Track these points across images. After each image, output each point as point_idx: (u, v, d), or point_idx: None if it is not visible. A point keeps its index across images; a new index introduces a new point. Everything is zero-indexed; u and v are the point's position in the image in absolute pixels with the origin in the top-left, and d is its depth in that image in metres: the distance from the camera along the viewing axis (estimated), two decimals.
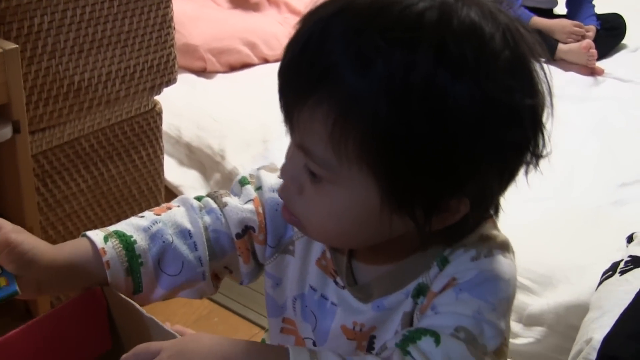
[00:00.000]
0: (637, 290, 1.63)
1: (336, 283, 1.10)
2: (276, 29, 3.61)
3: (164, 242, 1.09)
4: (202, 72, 3.33)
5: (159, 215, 1.12)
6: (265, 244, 1.14)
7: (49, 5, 1.71)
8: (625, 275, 1.83)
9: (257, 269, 1.17)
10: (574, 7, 4.15)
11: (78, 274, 1.06)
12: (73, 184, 2.08)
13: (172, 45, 2.11)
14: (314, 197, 0.96)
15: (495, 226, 1.06)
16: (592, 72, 3.77)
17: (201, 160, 2.90)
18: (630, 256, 1.90)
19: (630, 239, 2.04)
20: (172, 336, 1.00)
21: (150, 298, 1.12)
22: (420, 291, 1.02)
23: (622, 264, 1.89)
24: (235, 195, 1.17)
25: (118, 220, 1.12)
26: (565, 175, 2.73)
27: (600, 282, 1.92)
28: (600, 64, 3.82)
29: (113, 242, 1.06)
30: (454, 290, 0.97)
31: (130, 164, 2.17)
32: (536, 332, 2.20)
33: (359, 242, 1.02)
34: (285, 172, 0.99)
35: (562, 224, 2.44)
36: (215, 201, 1.14)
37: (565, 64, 3.79)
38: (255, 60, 3.47)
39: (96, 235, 1.07)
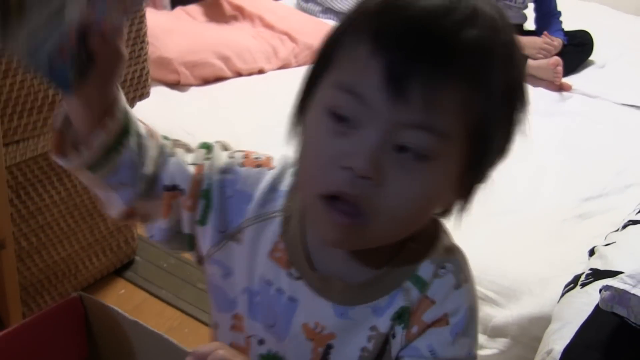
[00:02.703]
0: (597, 302, 1.66)
1: (290, 274, 1.06)
2: (250, 42, 3.63)
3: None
4: (176, 85, 3.34)
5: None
6: (194, 211, 1.07)
7: None
8: (586, 288, 1.86)
9: (174, 233, 1.09)
10: (543, 22, 4.20)
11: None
12: (46, 195, 2.09)
13: (146, 60, 2.13)
14: (405, 181, 0.88)
15: (446, 231, 1.09)
16: (560, 87, 3.82)
17: None
18: (590, 269, 1.94)
19: (591, 253, 2.08)
20: (159, 338, 1.01)
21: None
22: (402, 315, 1.02)
23: (583, 277, 1.93)
24: (190, 152, 1.10)
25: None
26: (531, 189, 2.77)
27: (562, 295, 1.96)
28: (568, 80, 3.87)
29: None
30: (450, 332, 1.02)
31: None
32: (500, 343, 2.22)
33: (414, 228, 0.97)
34: (361, 160, 0.87)
35: (527, 237, 2.47)
36: (169, 147, 1.07)
37: (534, 80, 3.83)
38: (228, 73, 3.47)
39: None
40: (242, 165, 1.08)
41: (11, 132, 1.81)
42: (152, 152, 1.03)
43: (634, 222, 2.16)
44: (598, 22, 4.48)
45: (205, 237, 1.09)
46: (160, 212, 1.07)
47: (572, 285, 1.95)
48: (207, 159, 1.07)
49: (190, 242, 1.11)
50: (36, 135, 1.87)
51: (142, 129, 1.01)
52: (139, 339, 1.03)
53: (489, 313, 2.23)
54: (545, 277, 2.24)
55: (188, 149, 1.09)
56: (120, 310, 1.05)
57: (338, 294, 1.03)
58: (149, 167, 1.02)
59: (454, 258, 1.06)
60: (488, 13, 0.89)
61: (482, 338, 2.23)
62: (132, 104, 2.11)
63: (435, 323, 1.02)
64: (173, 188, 1.05)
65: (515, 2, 4.14)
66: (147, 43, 2.12)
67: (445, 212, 1.01)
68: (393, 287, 1.03)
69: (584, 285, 1.88)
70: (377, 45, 0.86)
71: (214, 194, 1.07)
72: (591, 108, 3.58)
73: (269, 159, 1.10)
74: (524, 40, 3.89)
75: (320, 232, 0.97)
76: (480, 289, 2.25)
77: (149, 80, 2.19)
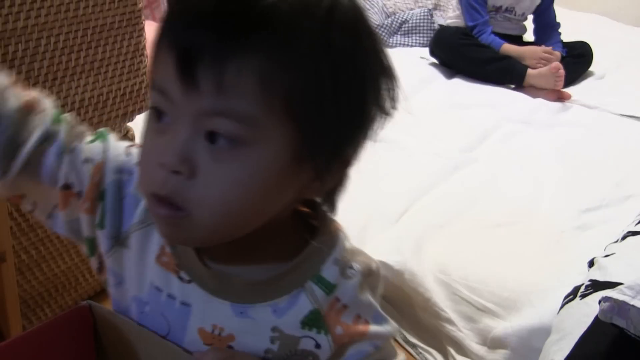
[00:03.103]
0: (596, 313, 1.66)
1: (180, 279, 1.01)
2: None
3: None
4: None
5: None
6: (92, 214, 1.03)
7: (24, 34, 1.74)
8: (585, 299, 1.86)
9: (74, 227, 1.06)
10: (542, 34, 4.21)
11: None
12: None
13: (145, 74, 2.14)
14: (217, 171, 0.86)
15: (344, 232, 1.06)
16: (560, 97, 3.82)
17: None
18: (590, 280, 1.93)
19: (591, 264, 2.08)
20: (168, 349, 1.00)
21: None
22: (315, 320, 1.01)
23: (582, 288, 1.93)
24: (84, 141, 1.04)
25: None
26: (530, 200, 2.77)
27: (562, 306, 1.96)
28: (568, 90, 3.87)
29: None
30: (372, 344, 1.06)
31: None
32: (500, 355, 2.21)
33: (255, 219, 0.93)
34: (170, 156, 0.85)
35: (526, 248, 2.47)
36: (64, 134, 1.02)
37: (534, 91, 3.84)
38: None
39: None
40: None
41: None
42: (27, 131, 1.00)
43: (634, 233, 2.16)
44: (597, 33, 4.49)
45: (103, 243, 1.05)
46: (54, 203, 1.05)
47: (571, 296, 1.95)
48: (104, 152, 1.03)
49: (90, 247, 1.07)
50: None
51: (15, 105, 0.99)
52: (148, 347, 1.03)
53: (489, 324, 2.24)
54: (544, 288, 2.24)
55: (81, 136, 1.04)
56: (128, 319, 1.05)
57: (235, 292, 1.00)
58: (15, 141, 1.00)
59: (360, 258, 1.05)
60: None
61: (482, 350, 2.24)
62: (130, 118, 2.13)
63: (355, 323, 1.04)
64: (67, 187, 1.03)
65: (515, 15, 4.16)
66: (146, 56, 2.13)
67: (327, 201, 1.02)
68: (293, 286, 1.00)
69: (583, 296, 1.88)
70: (168, 36, 0.86)
71: (108, 195, 1.03)
72: (590, 119, 3.58)
73: None
74: (523, 50, 3.91)
75: (157, 228, 0.99)
76: (479, 300, 2.26)
77: (148, 93, 2.19)
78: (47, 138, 1.01)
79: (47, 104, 1.04)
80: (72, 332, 1.08)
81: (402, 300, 2.44)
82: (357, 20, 0.90)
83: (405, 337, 2.41)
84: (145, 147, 0.91)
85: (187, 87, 0.83)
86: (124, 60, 2.02)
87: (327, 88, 0.86)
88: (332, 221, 1.04)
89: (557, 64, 3.85)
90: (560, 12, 4.22)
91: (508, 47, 4.01)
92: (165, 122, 0.87)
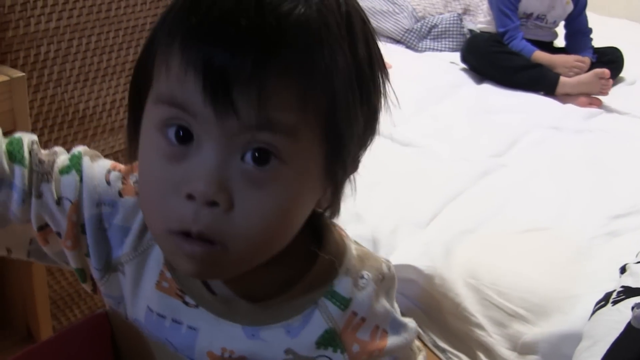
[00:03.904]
0: (628, 320, 1.65)
1: (186, 303, 0.96)
2: None
3: None
4: None
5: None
6: (76, 249, 0.98)
7: (56, 35, 1.74)
8: (617, 306, 1.85)
9: (61, 257, 1.01)
10: (573, 40, 4.18)
11: None
12: None
13: None
14: (256, 197, 0.79)
15: (347, 236, 1.02)
16: (591, 103, 3.80)
17: None
18: (622, 286, 1.92)
19: (623, 270, 2.07)
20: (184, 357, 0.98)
21: None
22: (331, 339, 0.95)
23: (614, 294, 1.91)
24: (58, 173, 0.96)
25: None
26: (560, 206, 2.75)
27: (593, 312, 1.94)
28: (598, 96, 3.85)
29: None
30: (391, 359, 1.00)
31: None
32: None
33: (286, 240, 0.87)
34: (203, 184, 0.78)
35: (557, 254, 2.46)
36: (39, 183, 0.95)
37: (563, 97, 3.82)
38: None
39: None
40: (121, 194, 0.98)
41: (42, 146, 1.81)
42: None
43: None
44: (628, 38, 4.46)
45: (94, 272, 1.00)
46: (31, 236, 1.00)
47: (603, 302, 1.93)
48: (78, 188, 0.96)
49: (81, 275, 1.02)
50: (66, 149, 1.88)
51: None
52: (165, 356, 1.01)
53: (519, 330, 2.23)
54: (575, 294, 2.23)
55: (47, 174, 0.95)
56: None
57: (245, 315, 0.95)
58: None
59: (370, 264, 0.99)
60: None
61: (512, 355, 2.23)
62: None
63: (373, 337, 0.98)
64: (43, 228, 0.97)
65: (547, 22, 4.14)
66: None
67: (329, 211, 0.94)
68: (306, 305, 0.95)
69: (615, 302, 1.87)
70: (189, 49, 0.77)
71: (89, 229, 0.97)
72: (621, 125, 3.56)
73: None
74: (555, 59, 3.88)
75: (178, 266, 0.88)
76: (510, 305, 2.25)
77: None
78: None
79: None
80: (89, 339, 1.07)
81: (432, 305, 2.43)
82: (364, 22, 0.87)
83: (435, 342, 2.40)
84: (156, 176, 0.82)
85: (220, 107, 0.76)
86: None
87: (355, 98, 0.83)
88: (335, 225, 1.00)
89: (604, 70, 3.83)
90: (591, 18, 4.20)
91: (540, 55, 3.98)
92: (185, 144, 0.80)
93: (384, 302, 1.00)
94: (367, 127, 0.88)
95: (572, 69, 3.91)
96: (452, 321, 2.39)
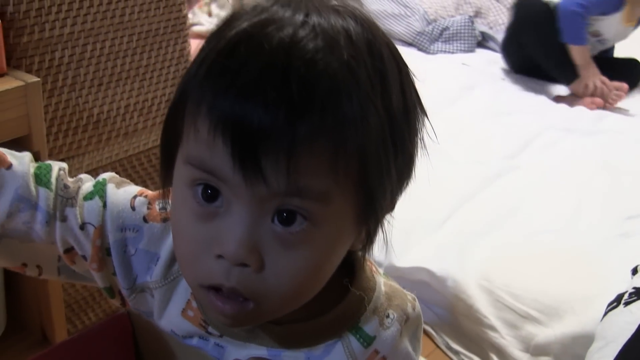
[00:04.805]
0: None
1: (209, 333, 0.98)
2: None
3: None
4: None
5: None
6: (102, 270, 0.99)
7: (70, 40, 1.75)
8: (629, 307, 1.85)
9: (88, 276, 1.02)
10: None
11: None
12: None
13: None
14: (287, 258, 0.79)
15: (377, 270, 1.02)
16: (592, 103, 3.80)
17: None
18: (634, 288, 1.92)
19: (634, 271, 2.07)
20: (207, 356, 0.98)
21: None
22: None
23: (626, 296, 1.91)
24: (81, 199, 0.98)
25: None
26: (573, 208, 2.76)
27: (605, 313, 1.95)
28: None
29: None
30: None
31: None
32: None
33: (319, 288, 0.87)
34: (234, 246, 0.78)
35: (569, 256, 2.46)
36: (64, 207, 0.96)
37: (573, 99, 3.82)
38: None
39: None
40: (146, 220, 0.98)
41: (56, 150, 1.83)
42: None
43: None
44: None
45: (122, 289, 1.01)
46: (59, 255, 1.00)
47: (615, 303, 1.94)
48: (102, 214, 0.97)
49: (110, 292, 1.03)
50: (81, 153, 1.89)
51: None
52: (186, 357, 1.02)
53: (532, 331, 2.23)
54: (587, 295, 2.23)
55: (72, 199, 0.97)
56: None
57: (269, 339, 0.95)
58: None
59: (396, 303, 0.99)
60: (341, 41, 0.78)
61: (524, 356, 2.23)
62: None
63: None
64: (69, 250, 0.98)
65: (608, 44, 4.09)
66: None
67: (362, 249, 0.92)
68: (330, 336, 0.95)
69: (627, 303, 1.87)
70: (215, 117, 0.76)
71: (114, 252, 0.98)
72: (633, 126, 3.56)
73: None
74: (586, 71, 3.80)
75: (212, 315, 0.92)
76: (522, 307, 2.25)
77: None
78: (21, 203, 0.94)
79: (19, 160, 0.96)
80: (112, 339, 1.08)
81: (445, 307, 2.44)
82: (399, 66, 0.86)
83: (448, 344, 2.41)
84: (187, 233, 0.83)
85: (249, 174, 0.75)
86: (168, 66, 2.03)
87: (388, 152, 0.82)
88: (367, 261, 0.98)
89: (624, 84, 3.83)
90: None
91: (581, 53, 3.90)
92: (215, 205, 0.80)
93: (406, 344, 1.00)
94: (402, 175, 0.87)
95: (586, 90, 3.87)
96: (465, 323, 2.39)
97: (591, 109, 3.75)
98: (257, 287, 0.80)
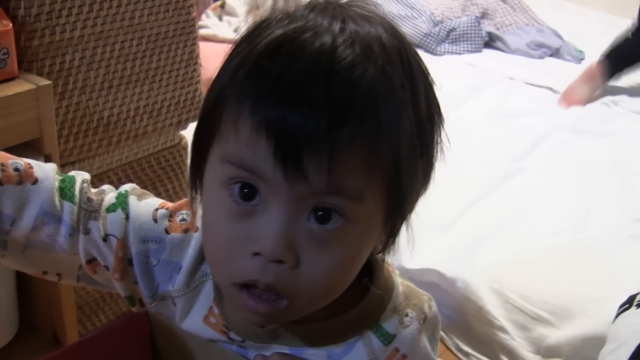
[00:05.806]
0: None
1: (231, 339, 1.00)
2: None
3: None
4: None
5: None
6: (124, 280, 1.00)
7: (80, 43, 1.75)
8: None
9: (109, 285, 1.03)
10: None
11: None
12: None
13: (198, 82, 2.14)
14: (321, 256, 0.82)
15: (394, 271, 1.04)
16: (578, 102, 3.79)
17: None
18: None
19: None
20: (228, 356, 0.99)
21: None
22: None
23: (638, 297, 1.91)
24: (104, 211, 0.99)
25: None
26: (583, 209, 2.76)
27: (617, 315, 1.94)
28: (617, 98, 3.81)
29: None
30: None
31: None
32: None
33: (345, 287, 0.89)
34: (271, 243, 0.80)
35: (580, 257, 2.46)
36: (89, 216, 0.97)
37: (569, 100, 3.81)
38: None
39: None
40: (167, 231, 1.00)
41: (67, 153, 1.83)
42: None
43: None
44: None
45: (144, 297, 1.03)
46: (79, 263, 1.01)
47: (627, 305, 1.93)
48: (125, 226, 0.98)
49: (131, 301, 1.04)
50: (92, 156, 1.89)
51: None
52: (206, 354, 1.02)
53: (543, 333, 2.23)
54: (599, 297, 2.23)
55: (95, 212, 0.98)
56: (182, 329, 1.04)
57: (291, 337, 0.97)
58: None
59: (414, 303, 1.01)
60: (376, 49, 0.82)
61: (535, 358, 2.23)
62: (184, 126, 2.14)
63: None
64: (91, 261, 0.99)
65: None
66: (200, 65, 2.14)
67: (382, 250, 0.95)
68: (351, 334, 0.97)
69: (639, 305, 1.86)
70: (259, 117, 0.78)
71: (136, 263, 0.99)
72: None
73: (195, 218, 0.99)
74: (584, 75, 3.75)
75: (243, 314, 0.91)
76: (533, 308, 2.25)
77: (201, 101, 2.20)
78: (45, 217, 0.95)
79: (44, 174, 0.97)
80: (129, 338, 1.09)
81: (455, 309, 2.44)
82: (425, 74, 0.89)
83: (458, 346, 2.41)
84: (222, 232, 0.85)
85: (290, 172, 0.78)
86: (178, 69, 2.03)
87: (416, 155, 0.85)
88: (384, 261, 1.01)
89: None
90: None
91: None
92: (251, 203, 0.82)
93: (425, 342, 1.02)
94: (425, 178, 0.91)
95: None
96: (476, 325, 2.39)
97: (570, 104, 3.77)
98: (291, 283, 0.82)
